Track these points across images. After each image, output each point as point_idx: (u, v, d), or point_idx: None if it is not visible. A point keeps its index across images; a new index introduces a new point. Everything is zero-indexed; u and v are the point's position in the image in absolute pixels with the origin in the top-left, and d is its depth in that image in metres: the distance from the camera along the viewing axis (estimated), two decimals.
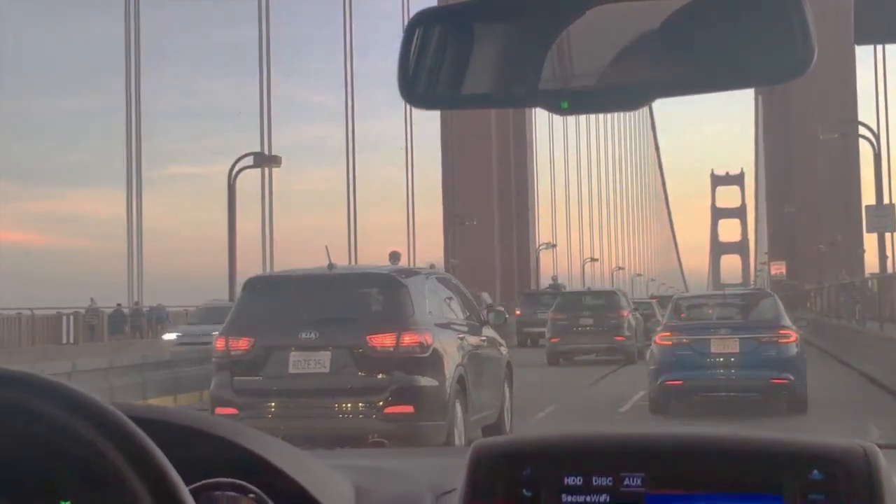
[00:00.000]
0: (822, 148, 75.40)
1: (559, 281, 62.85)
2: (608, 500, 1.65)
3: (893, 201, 58.96)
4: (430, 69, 1.52)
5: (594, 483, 1.67)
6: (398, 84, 1.52)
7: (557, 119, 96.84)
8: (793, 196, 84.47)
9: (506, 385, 11.95)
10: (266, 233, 50.00)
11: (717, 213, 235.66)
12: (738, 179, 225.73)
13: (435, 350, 9.95)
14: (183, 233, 71.11)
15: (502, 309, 13.98)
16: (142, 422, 1.22)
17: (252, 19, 51.31)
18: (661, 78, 1.46)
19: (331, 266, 10.60)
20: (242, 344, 10.03)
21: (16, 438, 1.24)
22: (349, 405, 9.82)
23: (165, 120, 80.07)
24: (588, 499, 1.66)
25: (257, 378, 9.96)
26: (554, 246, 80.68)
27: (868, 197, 54.37)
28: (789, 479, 1.64)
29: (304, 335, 9.92)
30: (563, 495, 1.66)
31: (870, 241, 61.82)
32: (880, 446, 1.71)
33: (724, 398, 14.44)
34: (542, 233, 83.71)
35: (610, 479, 1.67)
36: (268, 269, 47.90)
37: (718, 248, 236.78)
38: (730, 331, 14.73)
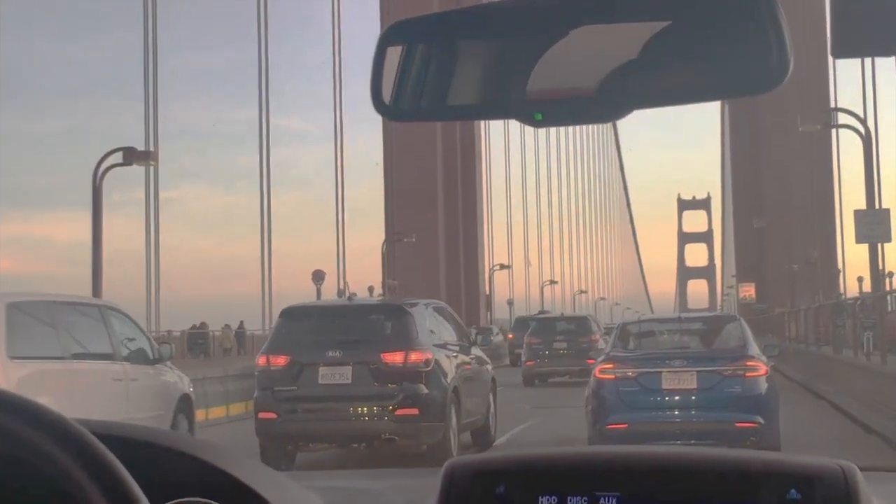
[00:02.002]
0: (794, 154, 75.65)
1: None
2: None
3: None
4: (402, 81, 1.70)
5: (569, 502, 1.82)
6: (371, 96, 1.70)
7: (514, 134, 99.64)
8: (762, 210, 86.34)
9: (491, 396, 16.24)
10: (151, 246, 49.71)
11: (684, 238, 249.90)
12: (704, 204, 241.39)
13: (435, 365, 14.08)
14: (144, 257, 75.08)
15: (489, 333, 18.25)
16: (107, 439, 1.32)
17: (231, 42, 54.49)
18: (636, 89, 1.59)
19: (350, 298, 14.82)
20: (281, 360, 14.12)
21: None
22: (366, 409, 13.86)
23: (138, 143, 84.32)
24: None
25: (293, 388, 14.02)
26: (508, 267, 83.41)
27: (847, 209, 54.30)
28: (766, 498, 1.78)
29: (330, 353, 14.01)
30: None
31: (849, 255, 63.44)
32: (860, 468, 1.84)
33: (678, 447, 14.33)
34: (497, 254, 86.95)
35: (585, 498, 1.81)
36: (152, 290, 48.06)
37: (685, 273, 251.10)
38: (686, 362, 13.77)
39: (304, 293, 48.75)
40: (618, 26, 1.60)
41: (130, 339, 14.29)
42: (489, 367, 16.77)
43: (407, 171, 74.36)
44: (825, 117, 37.46)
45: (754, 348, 14.20)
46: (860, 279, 56.75)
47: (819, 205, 72.65)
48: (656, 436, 13.19)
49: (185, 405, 15.00)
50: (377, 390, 13.87)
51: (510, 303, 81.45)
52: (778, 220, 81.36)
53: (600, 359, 14.63)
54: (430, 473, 2.16)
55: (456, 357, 14.94)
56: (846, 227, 56.60)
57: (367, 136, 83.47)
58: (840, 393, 23.01)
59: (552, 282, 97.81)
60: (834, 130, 53.48)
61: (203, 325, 45.70)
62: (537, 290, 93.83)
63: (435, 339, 14.57)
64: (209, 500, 1.57)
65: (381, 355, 13.93)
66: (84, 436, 1.27)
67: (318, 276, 47.82)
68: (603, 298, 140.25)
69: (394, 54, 1.71)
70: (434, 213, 77.53)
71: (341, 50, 64.63)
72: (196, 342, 43.68)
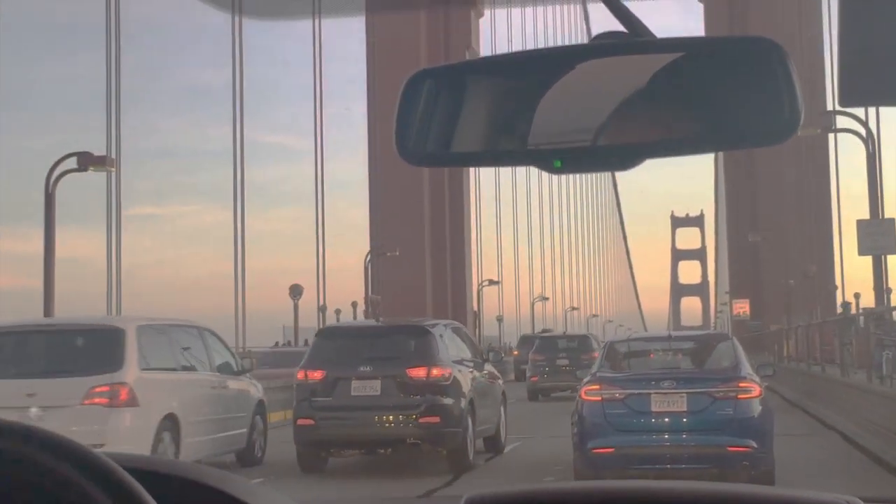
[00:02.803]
0: (790, 164, 76.55)
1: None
2: None
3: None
4: (427, 127, 1.86)
5: None
6: (395, 141, 1.86)
7: None
8: (757, 224, 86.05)
9: (501, 407, 19.05)
10: (112, 256, 48.33)
11: (678, 255, 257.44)
12: (697, 221, 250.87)
13: (453, 379, 16.80)
14: (143, 273, 78.23)
15: (500, 351, 21.19)
16: (131, 472, 1.45)
17: (211, 63, 56.14)
18: (651, 139, 1.77)
19: (379, 319, 17.62)
20: (318, 374, 16.84)
21: (9, 489, 1.46)
22: (393, 417, 16.53)
23: (127, 160, 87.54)
24: None
25: (329, 398, 16.71)
26: (497, 283, 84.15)
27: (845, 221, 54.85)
28: None
29: (361, 368, 16.73)
30: None
31: (849, 270, 60.05)
32: (864, 500, 1.98)
33: (667, 471, 13.22)
34: (486, 269, 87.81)
35: None
36: (114, 301, 47.59)
37: (679, 290, 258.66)
38: (675, 383, 13.94)
39: (285, 309, 50.61)
40: (634, 77, 1.75)
41: (219, 354, 17.99)
42: (500, 381, 19.70)
43: (392, 185, 75.02)
44: (825, 120, 35.17)
45: (747, 368, 14.35)
46: (857, 296, 57.67)
47: (816, 217, 72.73)
48: (644, 460, 13.45)
49: (260, 409, 18.75)
50: (403, 401, 16.56)
51: (500, 319, 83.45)
52: (773, 234, 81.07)
53: (586, 379, 14.78)
54: (447, 500, 2.54)
55: (471, 372, 17.73)
56: (845, 240, 55.60)
57: (353, 152, 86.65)
58: (852, 422, 21.03)
59: (543, 298, 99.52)
60: (832, 137, 52.29)
61: None
62: (527, 306, 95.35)
63: (453, 356, 17.34)
64: None
65: (407, 370, 16.65)
66: (111, 467, 1.42)
67: (296, 291, 49.30)
68: (595, 315, 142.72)
69: (417, 101, 1.86)
70: (420, 227, 78.75)
71: (322, 69, 66.44)
72: None
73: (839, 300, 55.68)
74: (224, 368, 18.05)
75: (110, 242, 47.80)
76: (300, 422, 16.83)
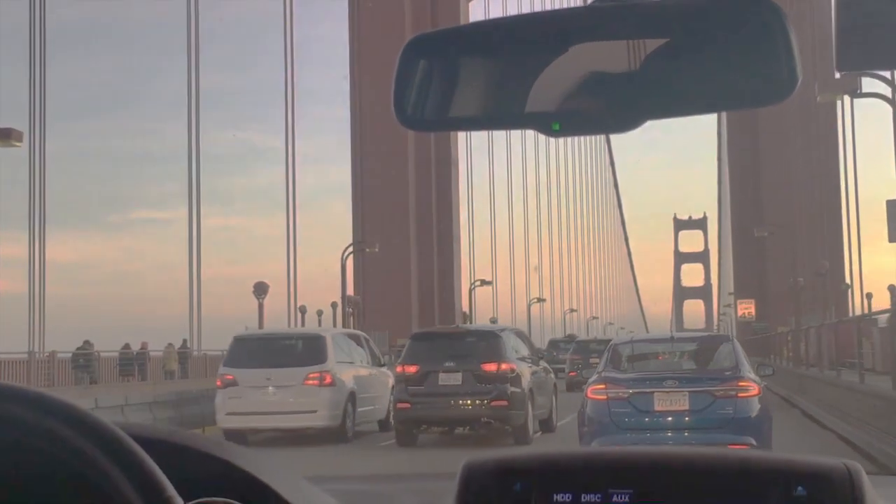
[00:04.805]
0: (798, 152, 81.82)
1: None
2: None
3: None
4: (425, 92, 2.08)
5: (583, 499, 2.21)
6: (393, 107, 2.06)
7: (499, 145, 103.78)
8: (763, 220, 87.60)
9: (553, 396, 26.90)
10: (35, 258, 51.33)
11: (681, 258, 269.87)
12: (700, 224, 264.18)
13: (517, 373, 24.33)
14: (143, 276, 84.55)
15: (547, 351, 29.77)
16: (135, 439, 1.59)
17: (209, 63, 58.86)
18: (650, 100, 1.96)
19: (458, 326, 25.60)
20: (412, 369, 24.36)
21: (8, 452, 1.60)
22: (471, 401, 23.93)
23: (127, 164, 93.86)
24: None
25: (421, 387, 24.13)
26: (490, 283, 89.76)
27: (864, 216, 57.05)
28: (774, 494, 2.16)
29: (446, 363, 24.22)
30: None
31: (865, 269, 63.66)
32: (866, 471, 2.22)
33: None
34: (480, 270, 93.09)
35: (599, 495, 2.21)
36: (36, 307, 50.73)
37: (682, 293, 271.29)
38: (677, 383, 15.53)
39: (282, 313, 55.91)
40: (631, 40, 1.96)
41: (371, 352, 28.17)
42: (552, 375, 27.65)
43: (377, 183, 79.39)
44: (851, 84, 32.04)
45: (748, 369, 16.07)
46: (870, 296, 57.75)
47: (826, 209, 75.63)
48: None
49: (390, 392, 27.72)
50: (479, 389, 23.97)
51: (493, 322, 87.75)
52: (780, 229, 79.42)
53: (592, 379, 16.79)
54: (447, 476, 2.58)
55: (530, 367, 25.41)
56: (861, 232, 60.92)
57: (340, 153, 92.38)
58: None
59: (540, 300, 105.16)
60: (846, 125, 60.01)
61: (87, 344, 46.02)
62: (524, 308, 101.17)
63: (517, 354, 24.96)
64: (231, 501, 1.81)
65: (482, 365, 24.10)
66: (117, 434, 1.55)
67: (261, 289, 51.59)
68: (595, 317, 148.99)
69: (415, 67, 2.10)
70: (406, 226, 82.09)
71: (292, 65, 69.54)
72: (78, 364, 44.14)
73: (857, 298, 59.76)
74: (374, 362, 28.94)
75: (32, 243, 51.68)
76: (399, 405, 24.37)
